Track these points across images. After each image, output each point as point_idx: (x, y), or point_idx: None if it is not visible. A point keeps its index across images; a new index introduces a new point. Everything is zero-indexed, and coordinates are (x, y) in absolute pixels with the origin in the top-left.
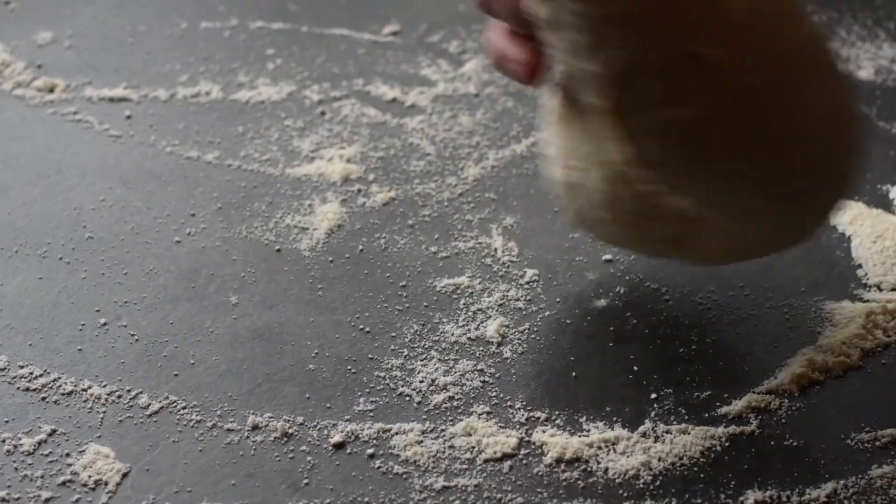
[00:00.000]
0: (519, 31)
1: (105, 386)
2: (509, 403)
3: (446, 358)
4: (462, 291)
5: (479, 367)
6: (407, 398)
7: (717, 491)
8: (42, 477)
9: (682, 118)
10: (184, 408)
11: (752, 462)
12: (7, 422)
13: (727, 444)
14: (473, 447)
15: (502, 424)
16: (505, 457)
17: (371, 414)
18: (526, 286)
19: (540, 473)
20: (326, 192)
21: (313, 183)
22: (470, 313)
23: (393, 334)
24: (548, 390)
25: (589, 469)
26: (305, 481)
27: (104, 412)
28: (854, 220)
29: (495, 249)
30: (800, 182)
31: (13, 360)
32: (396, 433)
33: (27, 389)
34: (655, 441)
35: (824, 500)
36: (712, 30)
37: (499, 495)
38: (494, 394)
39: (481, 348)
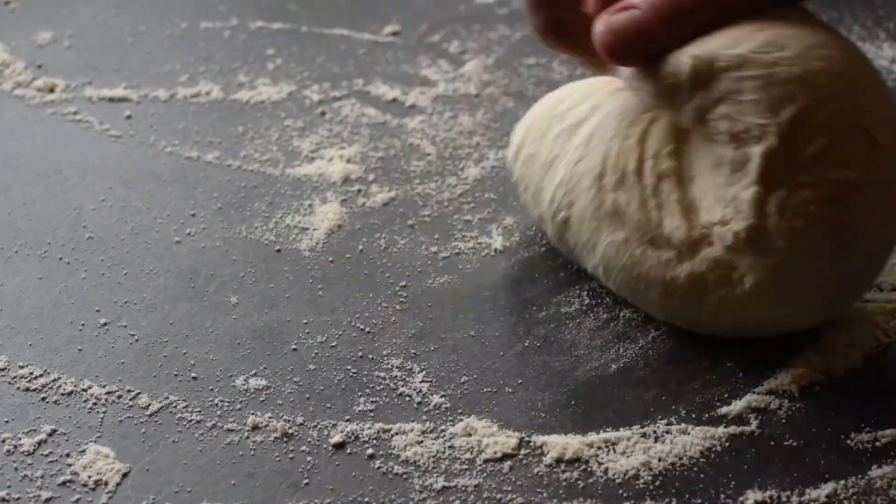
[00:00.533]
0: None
1: (105, 386)
2: (509, 403)
3: (446, 359)
4: (462, 291)
5: (479, 367)
6: (407, 398)
7: (717, 491)
8: (42, 477)
9: (841, 179)
10: (184, 408)
11: (752, 462)
12: (7, 422)
13: (727, 444)
14: (473, 447)
15: (502, 424)
16: (505, 457)
17: (371, 414)
18: (526, 286)
19: (540, 473)
20: (326, 193)
21: (313, 183)
22: (470, 313)
23: (393, 334)
24: (548, 390)
25: (589, 469)
26: (305, 481)
27: (104, 412)
28: None
29: (495, 249)
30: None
31: (13, 360)
32: (396, 433)
33: (27, 389)
34: (655, 441)
35: (824, 500)
36: (881, 116)
37: (499, 495)
38: (495, 393)
39: (482, 348)
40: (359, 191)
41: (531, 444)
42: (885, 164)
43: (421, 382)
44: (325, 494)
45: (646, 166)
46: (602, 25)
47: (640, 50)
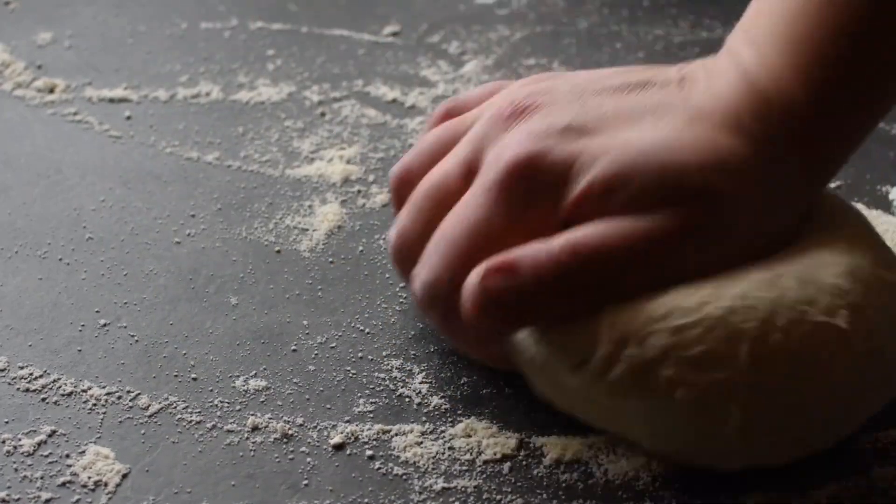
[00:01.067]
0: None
1: (105, 387)
2: (509, 404)
3: (446, 359)
4: None
5: (479, 368)
6: (407, 399)
7: (718, 492)
8: (42, 478)
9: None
10: (184, 409)
11: None
12: (7, 422)
13: None
14: (473, 448)
15: (502, 425)
16: (505, 458)
17: (371, 415)
18: None
19: (539, 475)
20: (326, 193)
21: (313, 184)
22: None
23: (393, 335)
24: None
25: (589, 470)
26: (305, 482)
27: (104, 413)
28: None
29: None
30: None
31: (13, 361)
32: (396, 434)
33: (27, 390)
34: None
35: (825, 501)
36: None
37: (498, 496)
38: (495, 394)
39: None
40: (359, 191)
41: (531, 445)
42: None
43: (420, 383)
44: (324, 495)
45: None
46: (474, 284)
47: (517, 319)
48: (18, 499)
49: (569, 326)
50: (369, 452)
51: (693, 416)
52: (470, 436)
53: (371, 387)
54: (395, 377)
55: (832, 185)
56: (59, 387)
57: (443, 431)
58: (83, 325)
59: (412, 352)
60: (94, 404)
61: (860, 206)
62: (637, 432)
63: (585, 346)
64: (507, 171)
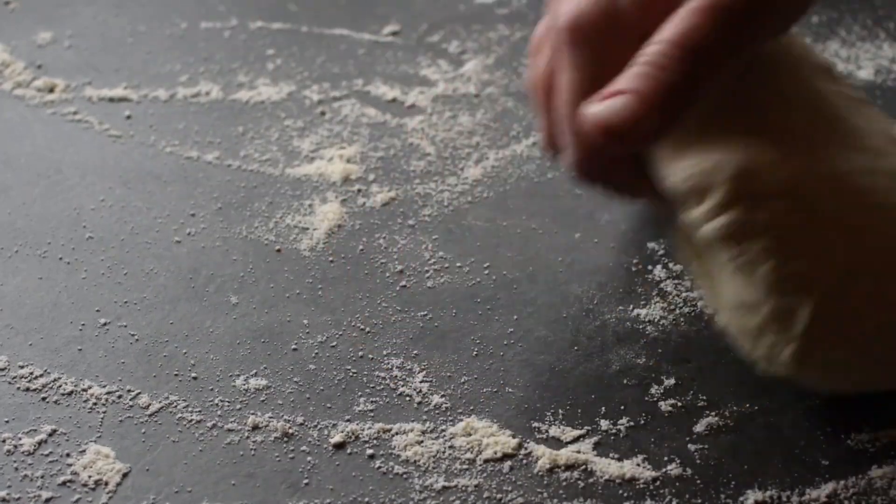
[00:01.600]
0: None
1: (105, 386)
2: (509, 403)
3: (446, 359)
4: (462, 291)
5: (479, 367)
6: (407, 398)
7: (717, 491)
8: (42, 477)
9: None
10: (184, 408)
11: (752, 462)
12: (7, 422)
13: (727, 445)
14: (473, 447)
15: (502, 424)
16: (505, 457)
17: (371, 414)
18: (526, 286)
19: (540, 473)
20: (326, 192)
21: (313, 183)
22: (470, 313)
23: (393, 334)
24: (548, 390)
25: (589, 469)
26: (305, 481)
27: (104, 412)
28: None
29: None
30: None
31: (13, 360)
32: (396, 433)
33: (27, 389)
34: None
35: (824, 500)
36: None
37: (499, 495)
38: (495, 393)
39: (482, 348)
40: (359, 191)
41: (531, 444)
42: None
43: (421, 382)
44: (325, 494)
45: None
46: (589, 117)
47: (634, 139)
48: (19, 498)
49: (700, 160)
50: (370, 451)
51: (767, 298)
52: (470, 434)
53: (371, 386)
54: (396, 376)
55: None
56: (60, 386)
57: (443, 430)
58: (83, 325)
59: (413, 350)
60: (95, 403)
61: None
62: (714, 297)
63: (706, 188)
64: None
